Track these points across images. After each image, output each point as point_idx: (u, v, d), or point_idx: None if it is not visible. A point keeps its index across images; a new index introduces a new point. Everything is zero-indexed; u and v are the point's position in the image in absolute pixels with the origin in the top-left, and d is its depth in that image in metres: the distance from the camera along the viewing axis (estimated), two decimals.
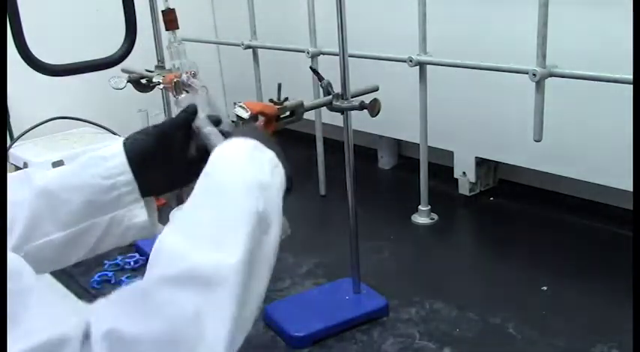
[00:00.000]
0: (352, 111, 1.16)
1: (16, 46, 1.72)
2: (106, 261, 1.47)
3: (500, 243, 1.55)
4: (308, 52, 1.71)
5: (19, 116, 1.94)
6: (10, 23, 1.67)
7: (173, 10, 1.22)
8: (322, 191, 1.84)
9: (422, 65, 1.53)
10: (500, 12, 1.58)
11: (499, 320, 1.20)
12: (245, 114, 1.04)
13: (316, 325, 1.17)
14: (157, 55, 1.63)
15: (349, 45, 1.14)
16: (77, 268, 1.48)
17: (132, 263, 1.46)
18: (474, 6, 1.62)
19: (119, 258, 1.48)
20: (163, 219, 1.63)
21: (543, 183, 1.75)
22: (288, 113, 1.10)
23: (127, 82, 1.52)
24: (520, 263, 1.43)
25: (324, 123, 1.81)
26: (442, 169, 1.84)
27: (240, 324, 0.69)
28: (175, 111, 1.20)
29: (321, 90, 1.19)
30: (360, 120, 1.20)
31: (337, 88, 1.16)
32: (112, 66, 1.83)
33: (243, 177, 0.77)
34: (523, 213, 1.68)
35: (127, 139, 0.99)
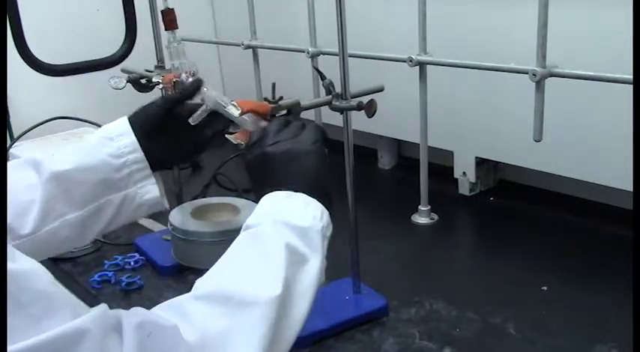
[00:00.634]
0: (352, 112, 1.16)
1: (16, 46, 1.72)
2: (106, 261, 1.47)
3: (500, 243, 1.55)
4: (308, 52, 1.71)
5: (19, 116, 1.94)
6: (10, 23, 1.67)
7: (172, 10, 1.22)
8: None
9: (422, 65, 1.53)
10: (500, 12, 1.58)
11: (499, 320, 1.20)
12: (236, 112, 1.04)
13: (316, 325, 1.17)
14: (156, 55, 1.63)
15: (349, 45, 1.14)
16: (77, 268, 1.48)
17: (132, 263, 1.46)
18: (473, 6, 1.62)
19: (119, 258, 1.48)
20: (164, 218, 1.64)
21: (543, 183, 1.75)
22: (285, 112, 1.10)
23: (127, 82, 1.52)
24: (520, 263, 1.43)
25: (324, 123, 1.80)
26: (442, 169, 1.84)
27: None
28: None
29: (321, 90, 1.19)
30: (360, 121, 1.20)
31: (338, 89, 1.16)
32: (112, 66, 1.83)
33: (270, 220, 0.79)
34: (523, 213, 1.69)
35: (132, 116, 1.02)
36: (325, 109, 1.20)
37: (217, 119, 1.04)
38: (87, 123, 1.80)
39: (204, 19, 2.42)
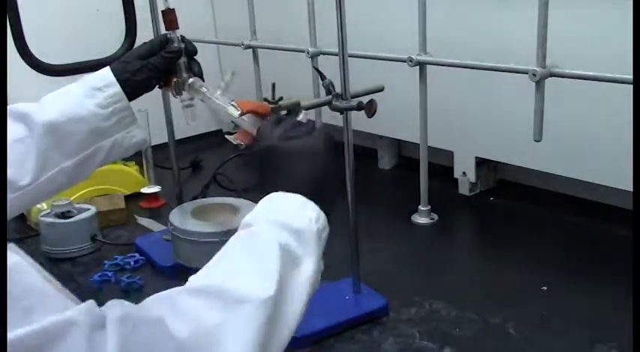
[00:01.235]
0: (352, 112, 1.16)
1: (16, 46, 1.72)
2: (106, 261, 1.47)
3: (500, 242, 1.55)
4: (308, 52, 1.71)
5: None
6: (10, 23, 1.68)
7: (173, 10, 1.22)
8: None
9: (422, 65, 1.53)
10: (500, 12, 1.58)
11: (499, 320, 1.20)
12: (235, 113, 1.04)
13: (316, 325, 1.17)
14: None
15: (349, 45, 1.14)
16: (77, 268, 1.48)
17: (132, 263, 1.46)
18: (474, 6, 1.62)
19: (119, 258, 1.48)
20: (164, 218, 1.63)
21: (543, 183, 1.75)
22: (285, 112, 1.10)
23: None
24: (520, 263, 1.43)
25: (324, 124, 1.80)
26: (442, 169, 1.84)
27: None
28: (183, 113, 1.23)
29: (321, 90, 1.19)
30: (360, 120, 1.20)
31: (338, 89, 1.16)
32: None
33: (264, 220, 0.79)
34: (523, 213, 1.68)
35: (114, 65, 1.11)
36: (325, 109, 1.20)
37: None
38: None
39: (204, 19, 2.42)
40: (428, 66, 1.53)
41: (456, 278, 1.40)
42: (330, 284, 1.34)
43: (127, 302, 0.64)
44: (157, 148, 1.84)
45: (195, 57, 1.22)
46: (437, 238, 1.61)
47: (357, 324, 1.20)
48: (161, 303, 0.67)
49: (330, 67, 1.22)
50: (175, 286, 1.19)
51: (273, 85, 1.10)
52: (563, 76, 1.25)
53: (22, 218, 1.69)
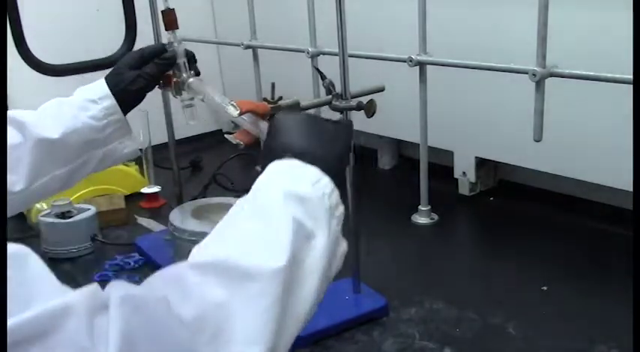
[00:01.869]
0: (352, 112, 1.16)
1: (16, 46, 1.72)
2: (106, 261, 1.47)
3: (500, 243, 1.55)
4: (308, 52, 1.71)
5: None
6: (10, 23, 1.68)
7: (173, 10, 1.22)
8: None
9: (422, 65, 1.53)
10: (500, 12, 1.58)
11: (499, 320, 1.20)
12: (235, 113, 1.04)
13: (316, 325, 1.17)
14: None
15: (349, 45, 1.14)
16: (77, 268, 1.48)
17: (132, 263, 1.46)
18: (474, 6, 1.62)
19: (119, 258, 1.48)
20: (164, 218, 1.63)
21: (543, 183, 1.75)
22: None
23: None
24: (520, 263, 1.43)
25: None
26: (442, 169, 1.84)
27: (277, 330, 0.63)
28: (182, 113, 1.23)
29: (321, 90, 1.19)
30: (360, 120, 1.20)
31: (339, 89, 1.16)
32: (112, 66, 1.83)
33: (277, 190, 0.74)
34: (523, 213, 1.68)
35: (109, 76, 1.14)
36: (325, 109, 1.20)
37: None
38: None
39: (204, 19, 2.42)
40: (428, 66, 1.53)
41: (456, 278, 1.40)
42: (330, 284, 1.34)
43: (130, 284, 0.61)
44: (157, 148, 1.84)
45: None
46: (437, 238, 1.61)
47: (357, 324, 1.20)
48: (166, 281, 0.64)
49: (330, 67, 1.22)
50: None
51: (273, 85, 1.10)
52: (563, 76, 1.25)
53: (22, 218, 1.69)
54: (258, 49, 1.95)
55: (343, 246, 0.79)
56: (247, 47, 1.94)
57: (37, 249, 1.53)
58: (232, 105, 1.05)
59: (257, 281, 0.64)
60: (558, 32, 1.25)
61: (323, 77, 1.14)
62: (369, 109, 1.14)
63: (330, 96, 1.15)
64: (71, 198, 1.58)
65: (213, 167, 1.96)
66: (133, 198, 1.85)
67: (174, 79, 1.21)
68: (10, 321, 0.50)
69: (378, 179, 2.04)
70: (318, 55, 1.71)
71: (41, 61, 1.78)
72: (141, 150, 1.69)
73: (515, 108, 1.54)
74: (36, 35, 1.70)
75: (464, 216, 1.77)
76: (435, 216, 1.66)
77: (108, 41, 1.82)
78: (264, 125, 1.08)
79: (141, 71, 1.15)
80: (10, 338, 0.50)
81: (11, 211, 1.09)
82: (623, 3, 1.23)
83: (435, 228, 1.64)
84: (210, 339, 0.60)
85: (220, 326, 0.60)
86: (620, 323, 1.15)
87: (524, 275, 1.37)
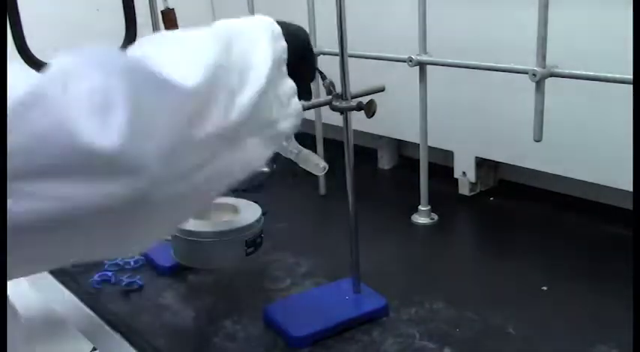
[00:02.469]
0: (353, 112, 1.16)
1: (16, 46, 1.72)
2: (106, 261, 1.47)
3: (500, 243, 1.55)
4: None
5: None
6: (10, 23, 1.67)
7: (172, 10, 1.22)
8: (322, 191, 1.84)
9: (422, 65, 1.53)
10: (500, 12, 1.58)
11: (499, 320, 1.20)
12: None
13: (316, 325, 1.17)
14: None
15: (349, 45, 1.14)
16: (77, 268, 1.48)
17: (132, 263, 1.46)
18: (474, 6, 1.62)
19: (119, 257, 1.48)
20: None
21: (543, 183, 1.75)
22: None
23: None
24: (520, 263, 1.43)
25: (324, 124, 1.81)
26: (442, 169, 1.84)
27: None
28: None
29: (321, 90, 1.19)
30: (360, 121, 1.20)
31: (339, 89, 1.16)
32: None
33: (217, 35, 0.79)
34: (523, 213, 1.69)
35: None
36: (325, 109, 1.20)
37: None
38: None
39: (204, 19, 2.41)
40: (428, 66, 1.53)
41: (456, 278, 1.40)
42: (330, 284, 1.34)
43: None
44: None
45: None
46: (437, 238, 1.61)
47: (357, 324, 1.20)
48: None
49: (330, 67, 1.22)
50: (175, 286, 1.19)
51: None
52: (563, 76, 1.25)
53: None
54: None
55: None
56: None
57: None
58: None
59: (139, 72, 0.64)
60: (558, 32, 1.25)
61: (323, 77, 1.14)
62: (369, 109, 1.14)
63: (330, 97, 1.15)
64: None
65: None
66: None
67: None
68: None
69: (378, 179, 2.04)
70: (318, 55, 1.71)
71: (41, 61, 1.78)
72: None
73: (515, 108, 1.54)
74: (36, 35, 1.70)
75: (464, 216, 1.77)
76: (435, 216, 1.66)
77: (108, 41, 1.82)
78: None
79: None
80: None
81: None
82: (623, 3, 1.23)
83: (435, 228, 1.64)
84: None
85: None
86: (620, 323, 1.15)
87: (524, 275, 1.37)
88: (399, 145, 2.09)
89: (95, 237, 0.61)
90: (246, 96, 0.73)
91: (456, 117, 1.74)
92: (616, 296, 1.24)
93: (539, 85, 1.25)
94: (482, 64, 1.41)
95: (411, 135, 1.76)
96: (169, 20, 1.22)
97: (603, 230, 1.54)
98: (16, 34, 1.71)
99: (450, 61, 1.49)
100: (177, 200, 0.65)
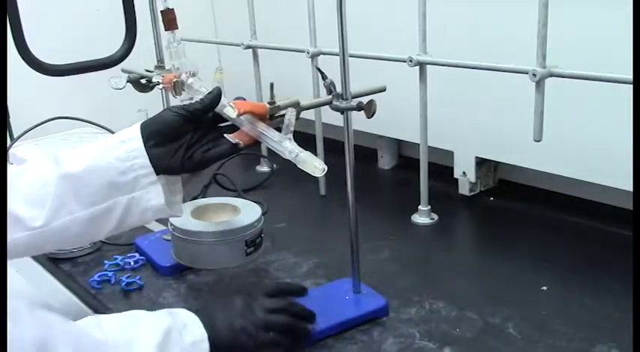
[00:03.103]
0: (353, 112, 1.16)
1: (16, 46, 1.72)
2: (106, 261, 1.47)
3: (500, 243, 1.55)
4: (308, 52, 1.71)
5: (19, 116, 1.94)
6: (10, 23, 1.67)
7: (172, 9, 1.22)
8: (322, 191, 1.84)
9: (422, 65, 1.53)
10: (500, 12, 1.58)
11: (499, 320, 1.20)
12: (233, 114, 1.04)
13: (316, 325, 1.17)
14: (156, 55, 1.63)
15: (349, 45, 1.14)
16: (77, 268, 1.48)
17: (132, 263, 1.46)
18: (474, 6, 1.62)
19: (119, 258, 1.48)
20: (163, 218, 1.63)
21: (543, 183, 1.75)
22: (284, 112, 1.10)
23: (127, 82, 1.52)
24: (520, 263, 1.43)
25: (324, 123, 1.81)
26: (442, 169, 1.84)
27: None
28: None
29: (321, 90, 1.19)
30: (360, 120, 1.20)
31: (339, 89, 1.16)
32: (112, 66, 1.83)
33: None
34: (523, 213, 1.69)
35: (146, 121, 1.06)
36: (325, 109, 1.20)
37: (221, 142, 1.07)
38: (87, 124, 1.80)
39: (204, 19, 2.42)
40: (428, 66, 1.53)
41: (456, 278, 1.40)
42: (330, 284, 1.34)
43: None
44: None
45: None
46: (437, 238, 1.61)
47: (357, 324, 1.20)
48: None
49: (330, 67, 1.22)
50: (175, 286, 1.20)
51: (271, 85, 1.10)
52: (563, 76, 1.25)
53: None
54: (258, 49, 1.95)
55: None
56: (247, 47, 1.94)
57: None
58: (230, 106, 1.06)
59: None
60: (558, 32, 1.25)
61: (324, 77, 1.15)
62: (369, 109, 1.14)
63: (331, 97, 1.15)
64: None
65: (213, 167, 1.96)
66: None
67: (175, 79, 1.21)
68: None
69: (378, 179, 2.04)
70: (318, 55, 1.71)
71: (41, 61, 1.78)
72: None
73: (515, 108, 1.54)
74: (36, 35, 1.70)
75: (464, 215, 1.77)
76: (435, 216, 1.66)
77: (108, 41, 1.82)
78: (262, 126, 1.08)
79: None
80: None
81: (25, 250, 1.04)
82: (623, 2, 1.23)
83: (434, 228, 1.64)
84: None
85: None
86: (620, 323, 1.15)
87: (524, 275, 1.37)
88: (399, 145, 2.09)
89: None
90: None
91: (456, 117, 1.74)
92: (616, 296, 1.24)
93: (539, 84, 1.25)
94: (483, 64, 1.41)
95: (411, 135, 1.76)
96: (169, 20, 1.21)
97: (603, 230, 1.54)
98: (16, 35, 1.71)
99: (450, 61, 1.49)
100: None
